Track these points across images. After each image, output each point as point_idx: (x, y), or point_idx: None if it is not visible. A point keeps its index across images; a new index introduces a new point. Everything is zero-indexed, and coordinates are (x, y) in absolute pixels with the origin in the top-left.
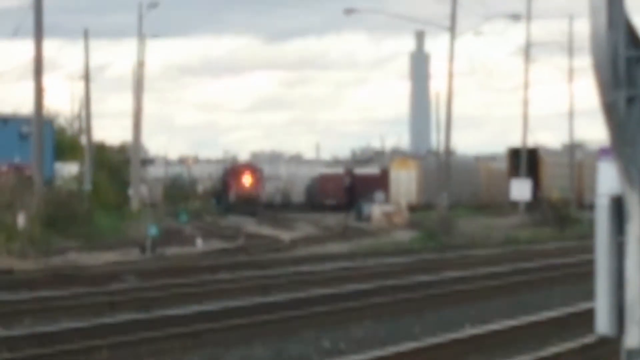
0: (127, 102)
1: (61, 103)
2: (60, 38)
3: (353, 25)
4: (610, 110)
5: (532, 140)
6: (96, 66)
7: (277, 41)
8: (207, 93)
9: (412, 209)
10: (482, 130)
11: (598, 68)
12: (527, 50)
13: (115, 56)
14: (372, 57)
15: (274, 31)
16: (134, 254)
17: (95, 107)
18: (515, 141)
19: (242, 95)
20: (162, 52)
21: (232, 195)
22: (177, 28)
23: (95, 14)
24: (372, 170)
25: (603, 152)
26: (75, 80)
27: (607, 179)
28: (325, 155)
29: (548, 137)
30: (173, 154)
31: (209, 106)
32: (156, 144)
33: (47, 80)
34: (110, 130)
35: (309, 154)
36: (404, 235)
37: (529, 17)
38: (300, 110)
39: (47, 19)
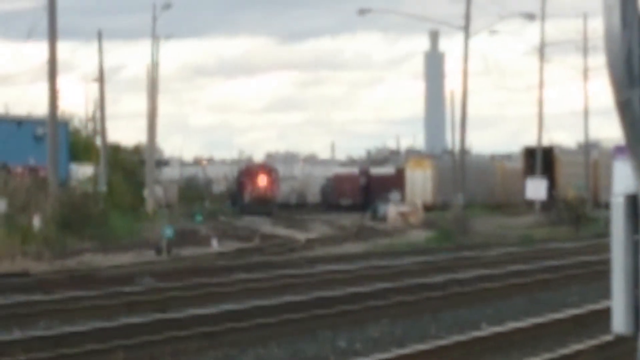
0: (142, 103)
1: (76, 104)
2: (76, 39)
3: (368, 26)
4: (624, 108)
5: (548, 140)
6: (111, 67)
7: (291, 42)
8: (222, 94)
9: (428, 208)
10: (497, 129)
11: (612, 66)
12: (542, 50)
13: (130, 57)
14: (386, 57)
15: (289, 32)
16: (149, 255)
17: (110, 109)
18: (531, 140)
19: (256, 96)
20: (176, 53)
21: (247, 196)
22: (192, 29)
23: (111, 15)
24: (388, 170)
25: (618, 151)
26: (90, 81)
27: (623, 178)
28: (340, 155)
29: (563, 136)
30: (188, 155)
31: (224, 107)
32: (171, 145)
33: (62, 81)
34: (126, 131)
35: (324, 154)
36: (420, 235)
37: (543, 16)
38: (315, 110)
39: (62, 21)
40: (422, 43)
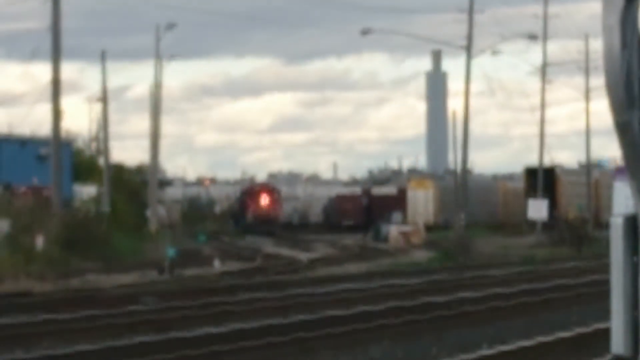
0: (146, 123)
1: (81, 125)
2: (83, 60)
3: (373, 46)
4: (624, 130)
5: (550, 160)
6: (117, 87)
7: (297, 62)
8: (228, 114)
9: (430, 228)
10: (500, 149)
11: (612, 87)
12: (544, 70)
13: (136, 77)
14: (392, 77)
15: (295, 52)
16: (152, 275)
17: (115, 129)
18: (533, 160)
19: (262, 116)
20: (183, 73)
21: (249, 216)
22: (199, 49)
23: (118, 35)
24: (390, 190)
25: (619, 172)
26: (94, 102)
27: (623, 199)
28: (343, 175)
29: (565, 156)
30: (192, 175)
31: (229, 127)
32: (175, 165)
33: (67, 102)
34: (131, 151)
35: (326, 174)
36: (422, 255)
37: (545, 36)
38: (319, 130)
39: (69, 41)
40: (428, 63)
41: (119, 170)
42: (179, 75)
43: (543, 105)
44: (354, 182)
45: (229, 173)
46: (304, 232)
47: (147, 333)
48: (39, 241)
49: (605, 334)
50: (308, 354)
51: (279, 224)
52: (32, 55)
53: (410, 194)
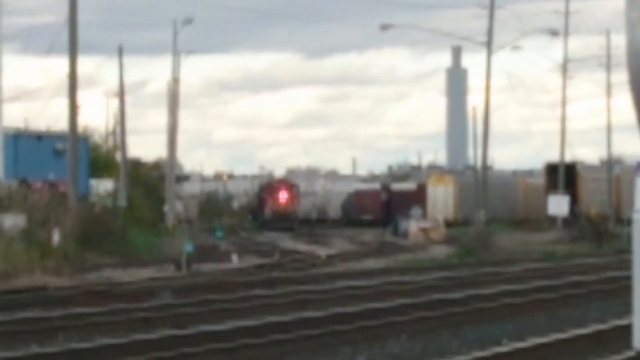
0: (164, 118)
1: (98, 119)
2: (101, 55)
3: (394, 41)
4: None
5: (571, 155)
6: (135, 82)
7: (317, 57)
8: (246, 109)
9: (449, 224)
10: (520, 145)
11: (635, 83)
12: (565, 66)
13: (155, 72)
14: (412, 73)
15: (315, 47)
16: (169, 271)
17: (132, 123)
18: (554, 156)
19: (281, 111)
20: (201, 68)
21: (268, 211)
22: (218, 44)
23: (135, 30)
24: (409, 185)
25: None
26: (111, 96)
27: None
28: (362, 170)
29: (586, 152)
30: (209, 170)
31: (248, 122)
32: (192, 160)
33: (85, 96)
34: (149, 146)
35: (345, 169)
36: (441, 251)
37: (566, 32)
38: (339, 125)
39: (86, 35)
40: (448, 59)
41: (136, 165)
42: (197, 70)
43: (564, 101)
44: (373, 177)
45: (247, 168)
46: (323, 227)
47: (163, 327)
48: (55, 236)
49: (622, 330)
50: (326, 349)
51: (297, 220)
52: (49, 50)
53: (430, 189)
